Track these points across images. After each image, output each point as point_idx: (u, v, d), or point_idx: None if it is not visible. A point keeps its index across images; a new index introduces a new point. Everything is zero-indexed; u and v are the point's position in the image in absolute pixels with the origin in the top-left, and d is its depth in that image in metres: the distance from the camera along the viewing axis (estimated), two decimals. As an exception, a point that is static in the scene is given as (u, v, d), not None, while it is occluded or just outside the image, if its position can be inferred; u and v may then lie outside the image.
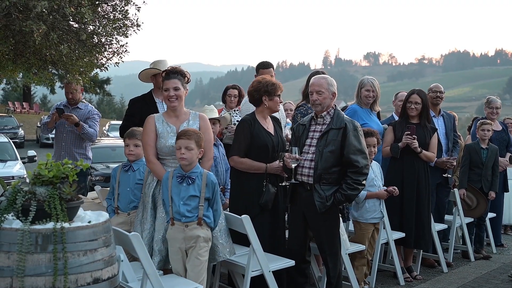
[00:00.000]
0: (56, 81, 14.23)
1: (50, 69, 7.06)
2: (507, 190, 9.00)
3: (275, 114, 5.83)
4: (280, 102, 5.71)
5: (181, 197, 4.44)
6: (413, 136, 6.58)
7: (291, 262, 5.13)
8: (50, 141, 28.54)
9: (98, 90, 47.54)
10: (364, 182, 5.17)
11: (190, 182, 4.45)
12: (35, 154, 13.23)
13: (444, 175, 7.40)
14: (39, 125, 32.63)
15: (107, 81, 49.68)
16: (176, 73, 4.85)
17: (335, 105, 5.36)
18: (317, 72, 6.32)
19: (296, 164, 5.13)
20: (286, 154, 5.14)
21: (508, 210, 9.75)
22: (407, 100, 6.84)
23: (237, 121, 7.35)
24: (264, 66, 6.91)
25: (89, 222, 3.54)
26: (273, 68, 6.94)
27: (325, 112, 5.27)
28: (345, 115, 5.33)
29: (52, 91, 49.60)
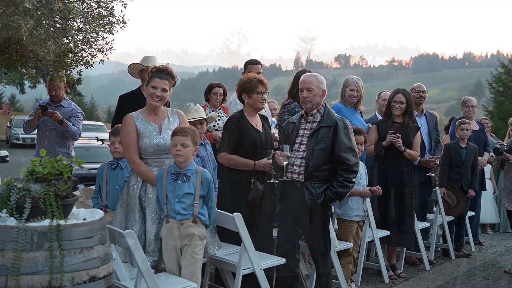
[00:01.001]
0: (39, 79, 13.99)
1: (33, 67, 6.92)
2: (484, 189, 9.13)
3: (261, 112, 5.83)
4: (263, 100, 5.63)
5: (176, 195, 4.40)
6: (397, 135, 6.64)
7: (282, 260, 5.13)
8: (20, 142, 28.07)
9: (69, 90, 46.94)
10: (354, 180, 5.19)
11: (185, 179, 4.41)
12: (7, 154, 12.95)
13: (427, 174, 7.48)
14: (8, 125, 32.07)
15: (79, 81, 49.06)
16: (168, 74, 4.75)
17: (325, 103, 5.37)
18: (304, 71, 6.33)
19: (287, 162, 5.12)
20: (278, 151, 5.13)
21: (485, 209, 9.89)
22: (391, 100, 6.89)
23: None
24: (252, 62, 6.93)
25: (84, 219, 3.48)
26: (261, 66, 6.96)
27: (315, 110, 5.27)
28: (335, 113, 5.35)
29: (22, 91, 48.80)
